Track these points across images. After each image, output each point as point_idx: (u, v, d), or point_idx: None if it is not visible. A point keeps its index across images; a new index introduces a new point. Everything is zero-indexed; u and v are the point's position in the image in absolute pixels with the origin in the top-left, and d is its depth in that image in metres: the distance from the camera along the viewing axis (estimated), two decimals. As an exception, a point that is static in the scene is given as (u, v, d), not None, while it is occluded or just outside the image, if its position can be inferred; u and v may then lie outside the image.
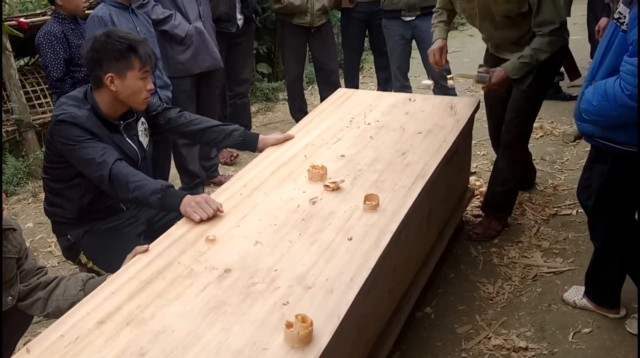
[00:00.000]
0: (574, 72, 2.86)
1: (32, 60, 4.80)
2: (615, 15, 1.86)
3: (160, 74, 2.95)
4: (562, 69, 2.96)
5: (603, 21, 3.47)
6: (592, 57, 4.77)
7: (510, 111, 2.75)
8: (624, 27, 1.78)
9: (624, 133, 1.88)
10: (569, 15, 4.55)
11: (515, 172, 2.87)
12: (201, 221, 1.84)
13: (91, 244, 2.21)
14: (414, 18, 3.89)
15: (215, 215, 1.86)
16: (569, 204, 3.15)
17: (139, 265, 1.65)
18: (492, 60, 2.82)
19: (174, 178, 3.56)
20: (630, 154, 1.91)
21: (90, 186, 2.11)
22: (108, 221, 2.25)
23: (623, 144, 1.90)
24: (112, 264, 1.86)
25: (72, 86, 2.75)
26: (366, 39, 4.66)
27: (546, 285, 2.54)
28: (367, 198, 1.90)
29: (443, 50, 2.74)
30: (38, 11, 4.26)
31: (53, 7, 2.98)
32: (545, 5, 2.42)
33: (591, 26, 4.54)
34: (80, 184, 2.14)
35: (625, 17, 1.77)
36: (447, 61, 2.81)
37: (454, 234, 2.73)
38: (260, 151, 2.38)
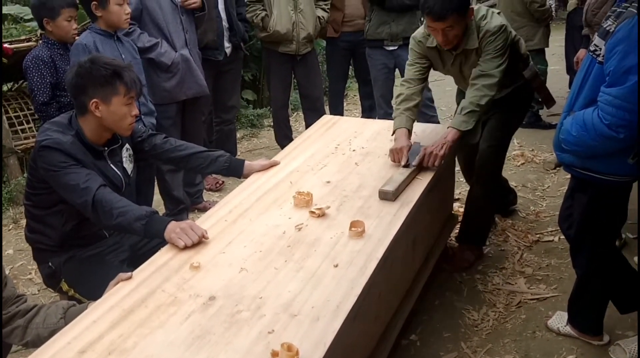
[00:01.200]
0: (550, 101, 2.95)
1: (16, 86, 4.77)
2: (591, 47, 1.91)
3: (144, 101, 2.95)
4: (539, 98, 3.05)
5: (582, 52, 3.58)
6: (570, 87, 4.90)
7: (485, 140, 2.76)
8: (600, 58, 1.83)
9: (603, 163, 1.92)
10: (547, 46, 4.69)
11: (491, 201, 2.87)
12: (186, 247, 1.82)
13: (73, 271, 2.17)
14: (396, 47, 3.97)
15: (200, 242, 1.85)
16: (551, 231, 3.18)
17: (121, 293, 1.62)
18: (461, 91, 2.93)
19: (158, 203, 3.53)
20: (610, 184, 1.95)
21: (72, 212, 2.09)
22: (90, 248, 2.21)
23: (603, 174, 1.94)
24: (94, 292, 1.83)
25: (57, 110, 2.75)
26: (351, 67, 4.73)
27: (530, 311, 2.55)
28: (353, 224, 1.91)
29: (405, 150, 2.36)
30: (22, 37, 4.25)
31: (43, 33, 2.99)
32: (488, 59, 2.44)
33: (570, 57, 4.67)
34: (62, 211, 2.11)
35: (601, 49, 1.82)
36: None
37: (438, 260, 2.74)
38: (246, 177, 2.38)
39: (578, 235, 2.13)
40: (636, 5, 1.73)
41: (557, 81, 5.65)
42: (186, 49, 3.26)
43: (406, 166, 2.31)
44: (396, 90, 2.67)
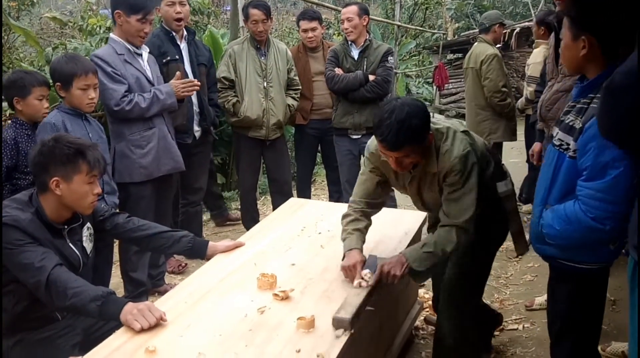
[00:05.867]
0: (521, 244, 2.49)
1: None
2: (555, 142, 1.94)
3: (108, 180, 2.94)
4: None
5: (536, 146, 3.75)
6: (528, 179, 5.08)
7: (452, 265, 2.34)
8: (571, 153, 1.86)
9: (587, 253, 1.91)
10: (513, 140, 4.91)
11: (461, 341, 2.36)
12: (142, 330, 1.75)
13: (21, 356, 2.05)
14: (360, 136, 4.10)
15: (157, 324, 1.78)
16: (515, 319, 3.18)
17: (70, 379, 1.53)
18: (432, 219, 2.53)
19: (117, 286, 3.41)
20: (592, 272, 1.94)
21: (24, 292, 2.01)
22: (41, 331, 2.10)
23: (585, 263, 1.93)
24: (40, 378, 1.72)
25: (11, 193, 2.65)
26: (319, 154, 4.84)
27: (497, 402, 2.48)
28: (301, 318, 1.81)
29: (358, 267, 2.09)
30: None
31: (13, 113, 2.97)
32: (457, 193, 2.11)
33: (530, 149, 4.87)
34: (14, 291, 2.03)
35: (569, 144, 1.86)
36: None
37: (403, 348, 2.68)
38: (209, 259, 2.34)
39: (561, 327, 2.07)
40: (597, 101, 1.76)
41: (517, 172, 5.87)
42: (164, 127, 3.30)
43: (361, 284, 2.03)
44: (347, 209, 2.34)
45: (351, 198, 2.34)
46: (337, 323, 1.79)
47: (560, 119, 1.98)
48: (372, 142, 2.23)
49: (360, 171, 2.36)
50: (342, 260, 2.16)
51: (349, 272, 2.09)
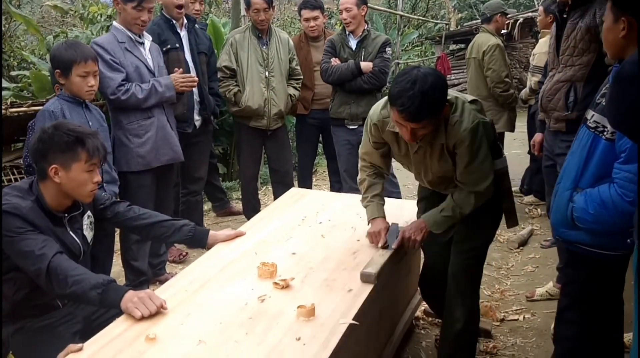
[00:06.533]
0: (512, 219, 2.54)
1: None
2: (590, 124, 1.89)
3: (108, 169, 2.93)
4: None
5: (537, 136, 3.73)
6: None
7: (459, 252, 2.38)
8: (607, 135, 1.82)
9: (616, 239, 1.85)
10: (512, 131, 4.90)
11: (474, 324, 2.48)
12: (143, 318, 1.75)
13: (22, 343, 2.05)
14: (357, 126, 4.07)
15: (158, 312, 1.79)
16: (516, 310, 3.18)
17: (70, 366, 1.54)
18: (425, 191, 2.55)
19: (118, 275, 3.42)
20: (613, 259, 1.91)
21: (25, 280, 2.01)
22: (41, 319, 2.11)
23: (609, 250, 1.90)
24: (41, 365, 1.72)
25: None
26: (320, 144, 4.82)
27: (497, 392, 2.49)
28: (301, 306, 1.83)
29: (383, 233, 2.32)
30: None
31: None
32: (471, 166, 2.13)
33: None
34: (14, 279, 2.03)
35: (605, 126, 1.81)
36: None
37: (404, 337, 2.69)
38: (210, 248, 2.34)
39: (568, 303, 2.06)
40: None
41: (518, 163, 5.86)
42: (164, 117, 3.30)
43: (384, 247, 2.27)
44: (360, 174, 2.49)
45: (361, 163, 2.46)
46: (365, 278, 2.03)
47: (596, 101, 1.91)
48: (375, 113, 2.26)
49: (362, 139, 2.42)
50: (368, 224, 2.39)
51: (375, 238, 2.32)
